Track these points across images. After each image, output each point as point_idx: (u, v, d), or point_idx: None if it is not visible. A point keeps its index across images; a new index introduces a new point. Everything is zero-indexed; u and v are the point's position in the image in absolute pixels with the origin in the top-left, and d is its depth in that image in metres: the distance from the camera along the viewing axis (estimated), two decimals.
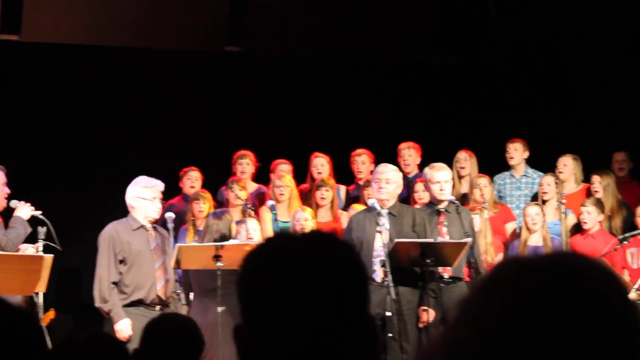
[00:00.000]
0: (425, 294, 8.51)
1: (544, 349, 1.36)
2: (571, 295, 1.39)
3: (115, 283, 8.20)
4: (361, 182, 10.21)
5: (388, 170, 8.82)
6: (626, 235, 9.17)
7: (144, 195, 8.33)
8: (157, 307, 8.21)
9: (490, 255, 9.41)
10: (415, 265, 8.41)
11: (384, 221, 8.53)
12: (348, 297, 1.83)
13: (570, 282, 1.40)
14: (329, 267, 1.84)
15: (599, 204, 9.69)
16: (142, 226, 8.33)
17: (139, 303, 8.21)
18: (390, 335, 8.16)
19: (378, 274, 8.39)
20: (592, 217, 9.56)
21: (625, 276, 9.17)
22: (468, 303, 1.46)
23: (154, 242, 8.33)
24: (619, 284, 1.45)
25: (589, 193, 10.15)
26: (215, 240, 8.41)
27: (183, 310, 8.41)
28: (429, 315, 8.46)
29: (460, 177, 10.40)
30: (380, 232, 8.33)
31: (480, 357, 1.40)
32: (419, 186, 9.78)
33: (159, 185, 8.46)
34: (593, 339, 1.37)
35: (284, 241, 1.92)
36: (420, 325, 8.51)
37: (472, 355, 1.40)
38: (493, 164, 10.68)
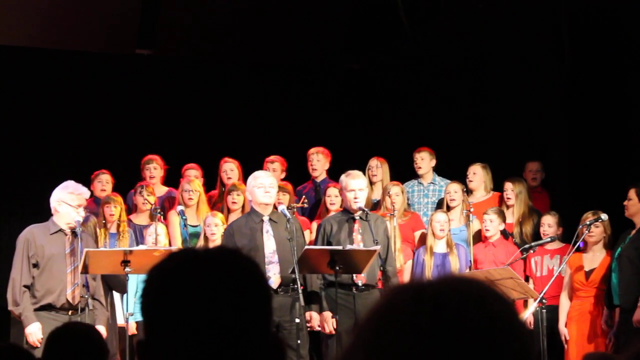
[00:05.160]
0: (311, 298, 8.59)
1: None
2: (464, 322, 1.41)
3: (28, 287, 8.16)
4: None
5: (268, 176, 8.86)
6: (532, 244, 9.25)
7: (69, 201, 8.26)
8: (70, 312, 8.15)
9: (399, 261, 9.45)
10: (324, 272, 8.43)
11: (268, 227, 8.56)
12: (250, 314, 1.83)
13: (463, 309, 1.42)
14: (230, 284, 1.83)
15: (501, 212, 9.78)
16: (61, 230, 8.26)
17: (49, 307, 8.16)
18: (299, 342, 8.18)
19: (273, 281, 8.40)
20: (494, 225, 9.64)
21: (530, 284, 9.26)
22: (363, 328, 1.46)
23: (70, 247, 8.26)
24: (509, 307, 1.47)
25: (499, 201, 10.23)
26: None
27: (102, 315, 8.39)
28: (323, 319, 8.56)
29: (372, 184, 10.45)
30: (290, 239, 8.31)
31: None
32: (331, 191, 9.81)
33: (85, 194, 8.42)
34: None
35: (186, 257, 1.91)
36: (310, 328, 8.58)
37: None
38: (405, 170, 10.74)
